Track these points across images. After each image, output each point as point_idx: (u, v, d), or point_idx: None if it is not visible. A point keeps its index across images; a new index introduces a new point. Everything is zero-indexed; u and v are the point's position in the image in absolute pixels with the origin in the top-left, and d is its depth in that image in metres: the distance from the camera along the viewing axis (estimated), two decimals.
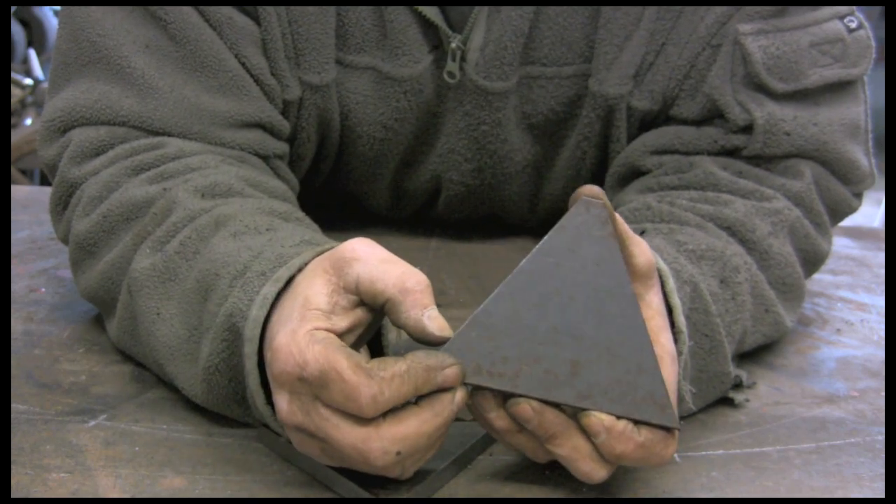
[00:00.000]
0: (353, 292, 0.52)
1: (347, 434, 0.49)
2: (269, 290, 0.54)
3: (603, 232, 0.52)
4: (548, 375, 0.51)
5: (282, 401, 0.51)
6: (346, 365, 0.48)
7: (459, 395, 0.51)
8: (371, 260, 0.51)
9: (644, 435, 0.51)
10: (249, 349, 0.54)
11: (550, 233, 0.52)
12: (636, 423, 0.51)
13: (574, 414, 0.52)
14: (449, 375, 0.50)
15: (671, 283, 0.59)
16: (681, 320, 0.58)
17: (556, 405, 0.51)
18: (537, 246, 0.52)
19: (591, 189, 0.52)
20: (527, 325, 0.51)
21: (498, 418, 0.52)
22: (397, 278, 0.50)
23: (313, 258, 0.55)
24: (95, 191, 0.70)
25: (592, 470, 0.53)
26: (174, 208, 0.66)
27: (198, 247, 0.62)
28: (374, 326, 0.54)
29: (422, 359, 0.50)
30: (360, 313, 0.52)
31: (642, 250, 0.55)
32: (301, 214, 0.69)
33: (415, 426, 0.49)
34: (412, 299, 0.50)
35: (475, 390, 0.52)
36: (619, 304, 0.51)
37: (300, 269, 0.55)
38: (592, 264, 0.52)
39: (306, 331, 0.50)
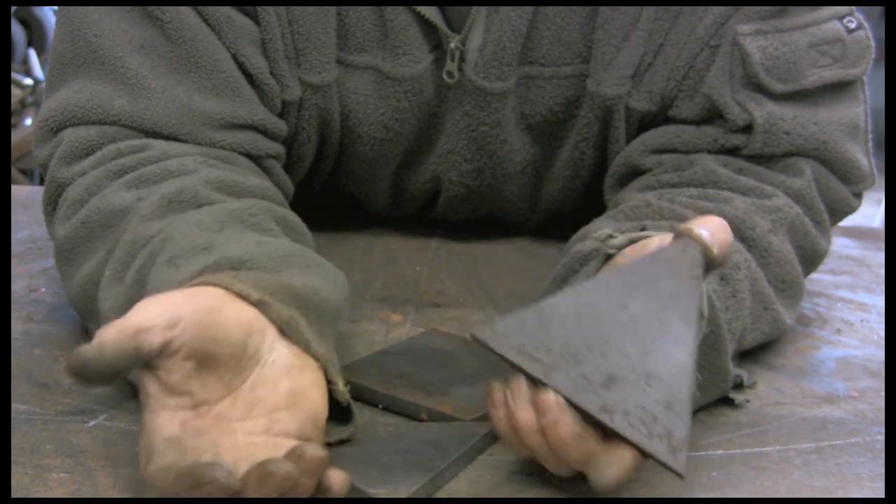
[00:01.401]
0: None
1: None
2: None
3: (690, 273, 0.53)
4: (581, 379, 0.51)
5: None
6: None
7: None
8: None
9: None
10: None
11: (644, 256, 0.54)
12: (644, 455, 0.51)
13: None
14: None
15: None
16: None
17: (579, 411, 0.51)
18: (626, 263, 0.54)
19: (696, 227, 0.54)
20: (583, 326, 0.52)
21: (523, 409, 0.52)
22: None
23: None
24: (77, 194, 0.70)
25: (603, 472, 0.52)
26: (132, 227, 0.64)
27: (149, 273, 0.61)
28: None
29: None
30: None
31: None
32: (256, 210, 0.66)
33: None
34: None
35: (510, 376, 0.52)
36: (676, 343, 0.52)
37: None
38: (667, 298, 0.53)
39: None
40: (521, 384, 0.52)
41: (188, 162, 0.71)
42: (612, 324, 0.52)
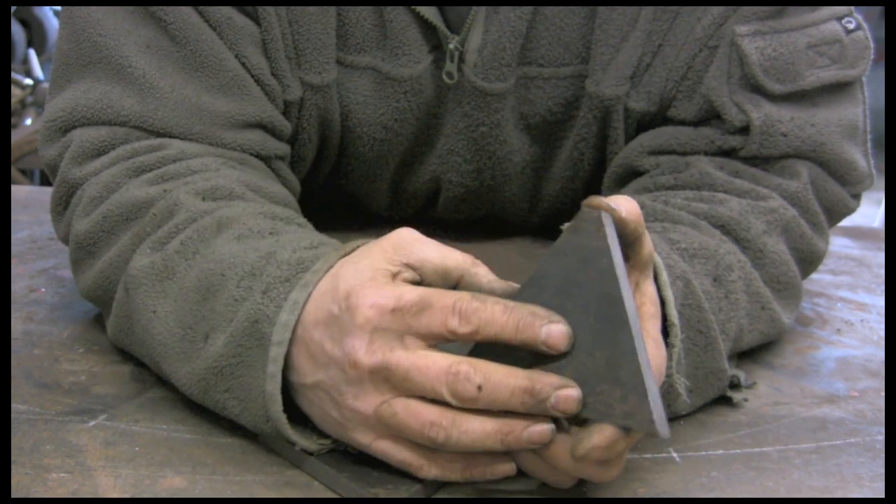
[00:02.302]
0: (418, 270, 0.53)
1: (436, 360, 0.50)
2: (299, 295, 0.55)
3: (597, 236, 0.51)
4: None
5: (360, 342, 0.51)
6: (445, 292, 0.50)
7: (565, 393, 0.49)
8: (431, 243, 0.54)
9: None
10: (278, 352, 0.54)
11: (553, 247, 0.52)
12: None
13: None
14: (553, 331, 0.50)
15: (664, 277, 0.59)
16: (673, 313, 0.58)
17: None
18: (540, 261, 0.52)
19: (596, 198, 0.52)
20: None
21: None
22: (463, 256, 0.55)
23: (338, 260, 0.56)
24: (96, 191, 0.70)
25: (601, 475, 0.53)
26: (176, 210, 0.66)
27: (198, 247, 0.62)
28: None
29: (529, 305, 0.50)
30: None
31: (647, 241, 0.56)
32: (303, 220, 0.68)
33: (504, 370, 0.50)
34: (484, 270, 0.55)
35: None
36: (608, 306, 0.50)
37: (326, 272, 0.55)
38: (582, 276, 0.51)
39: (389, 277, 0.52)
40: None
41: (209, 162, 0.72)
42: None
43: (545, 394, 0.49)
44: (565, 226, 0.53)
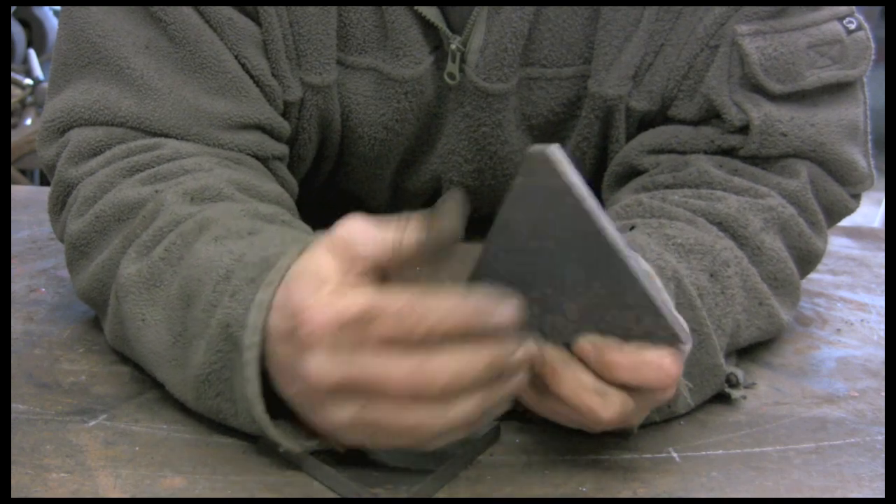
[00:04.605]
0: (373, 261, 0.52)
1: (400, 365, 0.48)
2: (264, 295, 0.54)
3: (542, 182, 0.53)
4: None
5: (315, 362, 0.50)
6: (394, 293, 0.49)
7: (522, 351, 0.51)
8: (370, 229, 0.52)
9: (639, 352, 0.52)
10: (250, 356, 0.53)
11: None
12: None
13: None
14: (504, 310, 0.50)
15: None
16: None
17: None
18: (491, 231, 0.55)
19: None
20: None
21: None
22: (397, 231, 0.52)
23: (297, 257, 0.55)
24: (90, 191, 0.70)
25: (599, 406, 0.53)
26: (161, 212, 0.66)
27: (182, 252, 0.62)
28: None
29: (478, 296, 0.50)
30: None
31: None
32: (288, 217, 0.68)
33: (465, 356, 0.49)
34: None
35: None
36: (595, 248, 0.51)
37: (287, 271, 0.54)
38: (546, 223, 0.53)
39: (334, 286, 0.50)
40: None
41: (203, 162, 0.71)
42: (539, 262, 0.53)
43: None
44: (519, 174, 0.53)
